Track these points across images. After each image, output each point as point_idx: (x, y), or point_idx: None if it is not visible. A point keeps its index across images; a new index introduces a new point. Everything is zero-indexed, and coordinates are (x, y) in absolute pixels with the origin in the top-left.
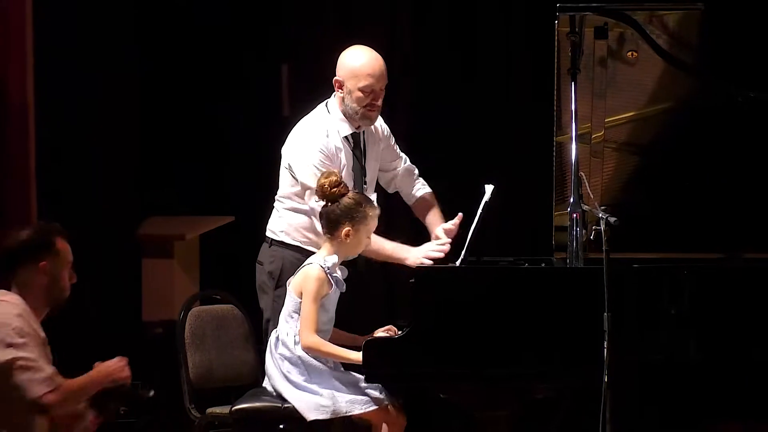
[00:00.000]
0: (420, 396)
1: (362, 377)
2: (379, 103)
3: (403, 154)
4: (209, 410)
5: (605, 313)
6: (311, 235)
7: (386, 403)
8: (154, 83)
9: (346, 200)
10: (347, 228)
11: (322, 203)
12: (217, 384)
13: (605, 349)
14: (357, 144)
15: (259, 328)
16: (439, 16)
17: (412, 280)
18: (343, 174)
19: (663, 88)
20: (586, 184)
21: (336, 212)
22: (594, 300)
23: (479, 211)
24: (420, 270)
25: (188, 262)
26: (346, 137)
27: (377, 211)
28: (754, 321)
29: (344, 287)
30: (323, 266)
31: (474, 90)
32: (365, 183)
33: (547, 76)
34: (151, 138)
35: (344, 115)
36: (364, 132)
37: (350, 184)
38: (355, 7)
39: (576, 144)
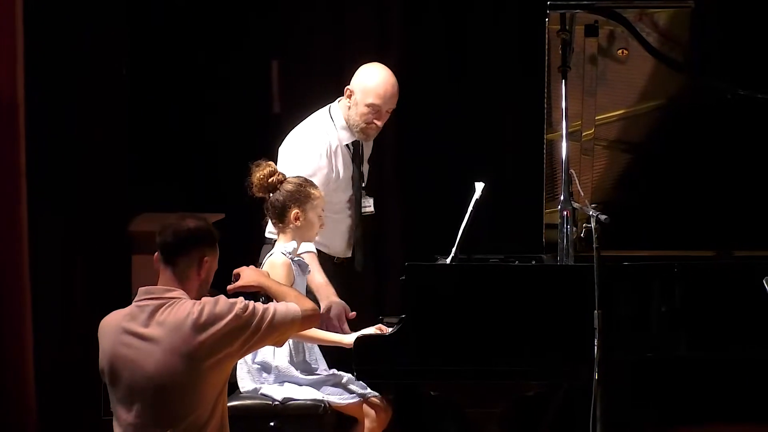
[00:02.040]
0: (411, 392)
1: (344, 374)
2: (380, 123)
3: None
4: None
5: (596, 311)
6: None
7: (369, 396)
8: (143, 80)
9: (286, 186)
10: (295, 211)
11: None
12: None
13: (596, 347)
14: (356, 151)
15: None
16: (430, 13)
17: (403, 278)
18: (341, 179)
19: (653, 86)
20: (577, 181)
21: (280, 199)
22: (584, 297)
23: (470, 208)
24: (410, 267)
25: None
26: (347, 145)
27: (320, 190)
28: (745, 319)
29: (309, 271)
30: (284, 253)
31: (464, 87)
32: (363, 188)
33: (537, 74)
34: (140, 134)
35: (346, 123)
36: (362, 143)
37: (348, 192)
38: (346, 3)
39: (566, 142)
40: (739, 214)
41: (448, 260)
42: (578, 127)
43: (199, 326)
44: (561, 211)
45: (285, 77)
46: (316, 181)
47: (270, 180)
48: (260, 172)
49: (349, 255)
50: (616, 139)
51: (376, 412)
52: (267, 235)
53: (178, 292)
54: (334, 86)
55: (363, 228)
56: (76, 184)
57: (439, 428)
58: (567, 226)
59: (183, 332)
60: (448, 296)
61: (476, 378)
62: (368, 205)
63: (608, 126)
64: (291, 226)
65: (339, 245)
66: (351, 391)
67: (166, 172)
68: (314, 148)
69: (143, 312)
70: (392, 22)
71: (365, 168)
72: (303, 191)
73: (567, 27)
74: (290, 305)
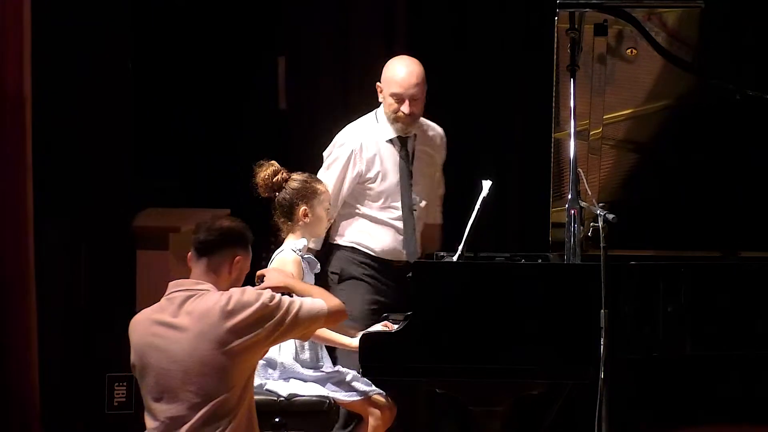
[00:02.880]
0: (415, 389)
1: (348, 372)
2: (407, 111)
3: (442, 181)
4: None
5: (602, 310)
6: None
7: (373, 394)
8: (149, 75)
9: (291, 183)
10: (303, 208)
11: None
12: None
13: (602, 346)
14: (404, 147)
15: None
16: (436, 11)
17: (410, 275)
18: (384, 173)
19: (661, 86)
20: (584, 180)
21: (287, 198)
22: (591, 297)
23: (477, 206)
24: (417, 265)
25: (183, 254)
26: (391, 140)
27: (325, 185)
28: (751, 320)
29: (318, 268)
30: (294, 250)
31: (472, 85)
32: (411, 186)
33: (545, 73)
34: (146, 130)
35: (387, 119)
36: (416, 138)
37: (395, 186)
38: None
39: (574, 141)
40: (745, 215)
41: (455, 258)
42: (586, 126)
43: (227, 313)
44: (568, 210)
45: (290, 73)
46: (332, 174)
47: (275, 179)
48: (264, 172)
49: (403, 257)
50: (624, 138)
51: (380, 409)
52: (345, 243)
53: (208, 285)
54: (339, 82)
55: (413, 223)
56: (81, 179)
57: (441, 426)
58: (574, 225)
59: (211, 319)
60: (454, 294)
61: (482, 376)
62: (415, 202)
63: (616, 125)
64: (300, 223)
65: (388, 243)
66: (355, 389)
67: (171, 167)
68: (339, 145)
69: (172, 303)
70: (399, 20)
71: (417, 169)
72: (309, 187)
73: (576, 26)
74: (316, 300)
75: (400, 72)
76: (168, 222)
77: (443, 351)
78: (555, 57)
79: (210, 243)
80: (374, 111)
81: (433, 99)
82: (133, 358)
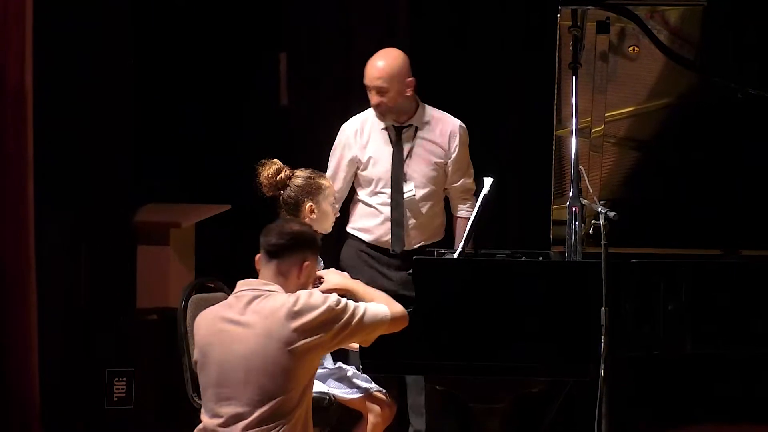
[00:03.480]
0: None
1: (349, 368)
2: (373, 101)
3: (466, 175)
4: None
5: (603, 308)
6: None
7: (373, 391)
8: (150, 71)
9: (295, 180)
10: (309, 204)
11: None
12: None
13: (602, 344)
14: (399, 136)
15: None
16: (437, 8)
17: (410, 272)
18: (374, 158)
19: (663, 84)
20: (586, 178)
21: (292, 195)
22: (591, 294)
23: (478, 204)
24: (418, 262)
25: (184, 249)
26: (386, 128)
27: (328, 180)
28: (751, 318)
29: (321, 266)
30: None
31: (473, 82)
32: (404, 174)
33: (548, 70)
34: (147, 125)
35: None
36: (417, 131)
37: (385, 175)
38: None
39: (576, 138)
40: (746, 213)
41: (456, 255)
42: (588, 123)
43: (294, 313)
44: (569, 207)
45: (291, 70)
46: (332, 158)
47: (278, 177)
48: (267, 170)
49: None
50: (626, 136)
51: (380, 407)
52: (349, 230)
53: (276, 287)
54: (341, 80)
55: (402, 210)
56: (82, 175)
57: (441, 423)
58: (575, 222)
59: (277, 318)
60: (455, 291)
61: (482, 373)
62: (410, 189)
63: (618, 123)
64: (307, 219)
65: (377, 228)
66: (355, 386)
67: (172, 163)
68: (340, 132)
69: (240, 302)
70: (401, 17)
71: (413, 160)
72: (313, 183)
73: (578, 23)
74: (380, 306)
75: (369, 64)
76: (169, 217)
77: (443, 348)
78: (557, 54)
79: (280, 246)
80: None
81: (433, 96)
82: (196, 354)
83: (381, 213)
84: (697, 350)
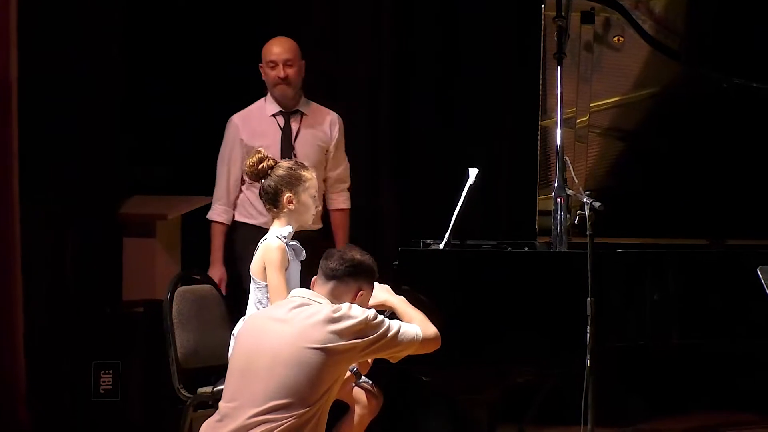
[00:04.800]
0: (401, 378)
1: None
2: (282, 74)
3: (343, 164)
4: (200, 390)
5: (588, 298)
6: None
7: (360, 383)
8: (136, 61)
9: (277, 170)
10: (287, 194)
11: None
12: (200, 364)
13: (588, 334)
14: (287, 122)
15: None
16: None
17: (396, 263)
18: (263, 146)
19: (648, 74)
20: (571, 168)
21: (272, 185)
22: (577, 284)
23: (463, 194)
24: (404, 253)
25: (170, 241)
26: (273, 115)
27: (312, 172)
28: (736, 308)
29: (304, 255)
30: (279, 237)
31: (459, 74)
32: (294, 157)
33: (532, 61)
34: (134, 117)
35: (270, 94)
36: (302, 117)
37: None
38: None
39: (561, 128)
40: (732, 203)
41: (441, 246)
42: (573, 114)
43: (332, 319)
44: (555, 197)
45: None
46: (222, 152)
47: (260, 166)
48: (250, 159)
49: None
50: (611, 126)
51: (367, 398)
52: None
53: (325, 300)
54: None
55: None
56: (68, 166)
57: (428, 415)
58: (560, 212)
59: (315, 320)
60: (440, 282)
61: (468, 364)
62: None
63: (603, 113)
64: (285, 210)
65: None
66: None
67: (158, 155)
68: (229, 122)
69: (287, 304)
70: (386, 10)
71: (301, 146)
72: (294, 174)
73: (563, 14)
74: (413, 326)
75: (273, 42)
76: (155, 209)
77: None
78: (542, 45)
79: (339, 272)
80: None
81: (420, 87)
82: (232, 348)
83: None
84: (684, 340)
